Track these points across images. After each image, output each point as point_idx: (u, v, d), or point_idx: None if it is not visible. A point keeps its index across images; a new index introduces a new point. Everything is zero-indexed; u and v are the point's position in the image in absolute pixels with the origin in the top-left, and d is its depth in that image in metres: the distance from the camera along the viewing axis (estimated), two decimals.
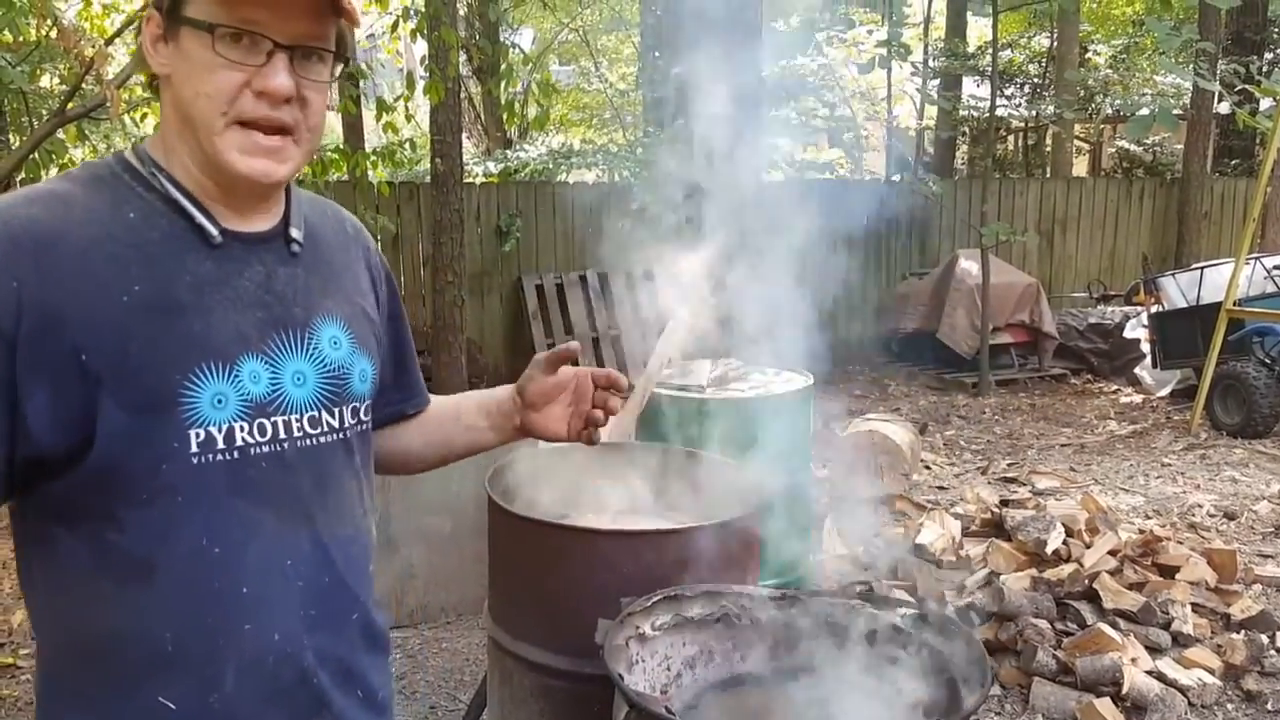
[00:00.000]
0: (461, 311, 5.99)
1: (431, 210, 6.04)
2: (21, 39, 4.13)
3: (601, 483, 2.11)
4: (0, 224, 0.90)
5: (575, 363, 1.25)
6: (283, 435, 1.00)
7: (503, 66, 5.08)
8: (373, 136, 9.85)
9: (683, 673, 1.61)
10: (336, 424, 1.06)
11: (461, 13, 8.80)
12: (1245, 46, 9.90)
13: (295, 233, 1.06)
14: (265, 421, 0.99)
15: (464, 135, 7.88)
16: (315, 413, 1.03)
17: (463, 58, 8.28)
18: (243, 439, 0.97)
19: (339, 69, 1.04)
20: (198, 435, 0.94)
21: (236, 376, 0.97)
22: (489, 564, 2.00)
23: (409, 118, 5.04)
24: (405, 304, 6.60)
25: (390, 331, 1.23)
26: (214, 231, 0.98)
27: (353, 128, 9.42)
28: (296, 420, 1.01)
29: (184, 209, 0.98)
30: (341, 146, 6.49)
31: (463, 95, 8.75)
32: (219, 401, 0.95)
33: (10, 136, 6.01)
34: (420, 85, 4.84)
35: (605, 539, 1.77)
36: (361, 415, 1.10)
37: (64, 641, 0.98)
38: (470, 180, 7.70)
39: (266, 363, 0.99)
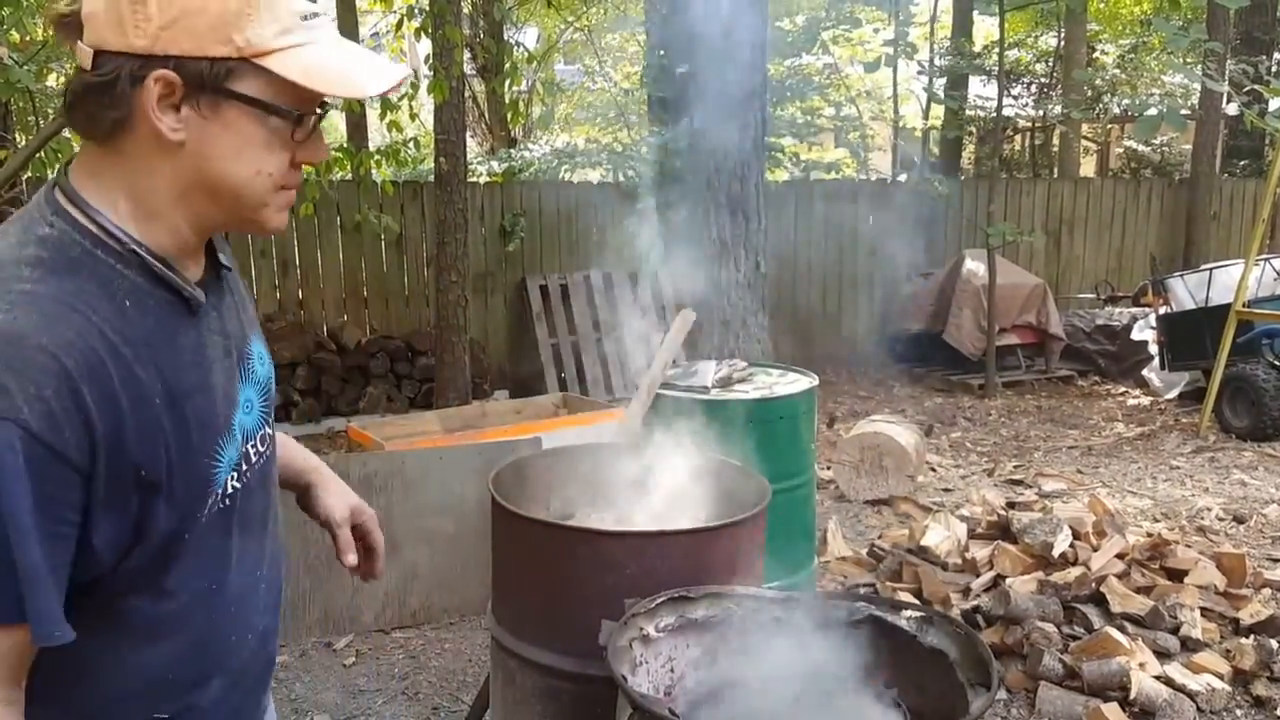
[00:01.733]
0: (465, 312, 5.98)
1: (435, 210, 6.04)
2: (28, 38, 4.13)
3: (605, 483, 2.09)
4: (47, 358, 0.83)
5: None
6: (251, 463, 1.06)
7: (507, 65, 5.06)
8: (376, 135, 9.85)
9: (686, 674, 1.59)
10: (271, 433, 1.12)
11: (465, 11, 8.80)
12: (1254, 47, 9.85)
13: (224, 259, 1.06)
14: (248, 453, 1.05)
15: (468, 134, 7.88)
16: (263, 431, 1.09)
17: (467, 56, 8.28)
18: (232, 487, 1.02)
19: None
20: (212, 498, 0.99)
21: (233, 434, 1.01)
22: (492, 565, 1.99)
23: (413, 116, 5.04)
24: (409, 304, 6.63)
25: None
26: (200, 298, 0.97)
27: (356, 126, 9.43)
28: (254, 446, 1.06)
29: (170, 282, 0.94)
30: (345, 145, 6.50)
31: (467, 94, 8.75)
32: (230, 463, 1.01)
33: (17, 135, 6.02)
34: (424, 84, 4.83)
35: (609, 540, 1.75)
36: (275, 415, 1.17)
37: (56, 702, 0.95)
38: (474, 179, 7.69)
39: (238, 407, 1.02)
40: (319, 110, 0.97)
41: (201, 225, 0.97)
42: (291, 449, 1.36)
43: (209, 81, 0.89)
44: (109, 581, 0.93)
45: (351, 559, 1.30)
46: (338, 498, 1.34)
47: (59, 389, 0.83)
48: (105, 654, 0.96)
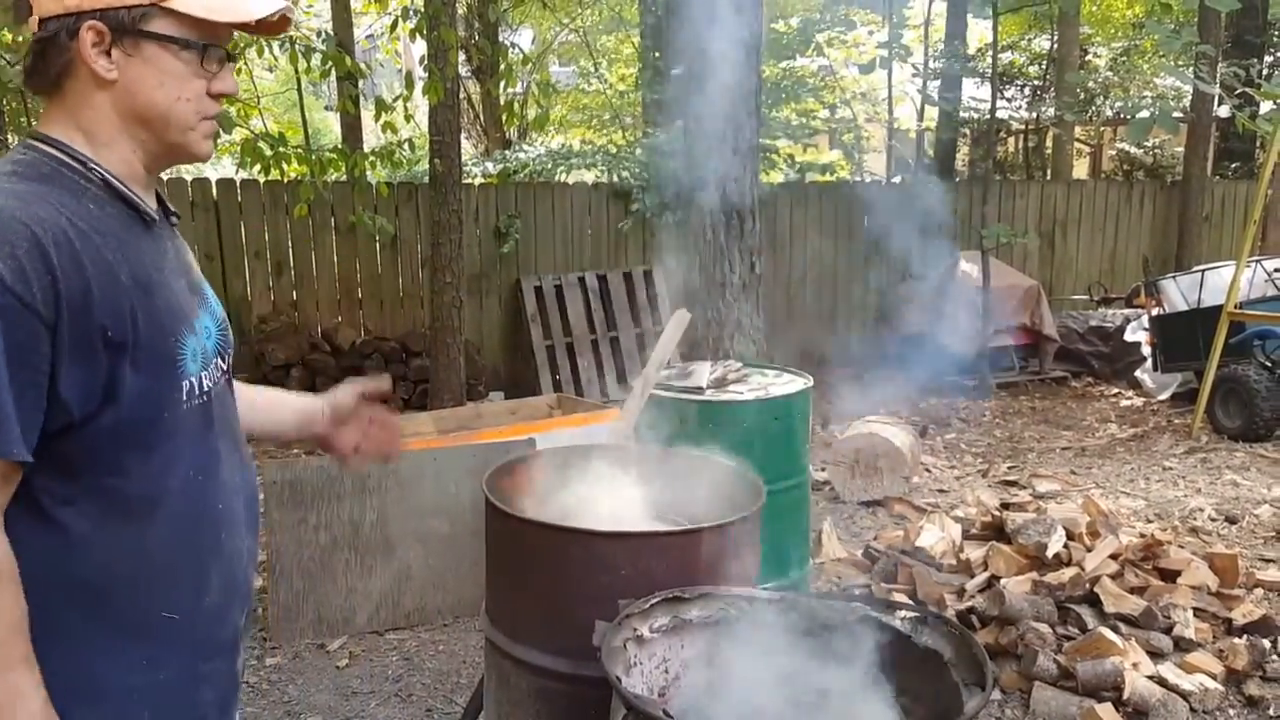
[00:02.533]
0: (460, 313, 5.97)
1: (430, 211, 6.03)
2: (21, 39, 4.11)
3: (600, 484, 2.09)
4: (20, 226, 1.00)
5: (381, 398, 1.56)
6: (218, 378, 1.23)
7: (502, 67, 5.06)
8: (371, 137, 9.84)
9: (681, 675, 1.59)
10: (226, 367, 1.29)
11: (461, 12, 8.80)
12: (1245, 49, 9.89)
13: (173, 207, 1.26)
14: (210, 368, 1.21)
15: (463, 136, 7.86)
16: (218, 359, 1.25)
17: (462, 58, 8.26)
18: (206, 384, 1.18)
19: None
20: (186, 385, 1.14)
21: (195, 334, 1.17)
22: (486, 565, 1.98)
23: (408, 118, 5.03)
24: (404, 305, 6.64)
25: None
26: (153, 214, 1.17)
27: (351, 128, 9.41)
28: (216, 366, 1.23)
29: (127, 197, 1.13)
30: (340, 146, 6.48)
31: (462, 95, 8.74)
32: (195, 356, 1.16)
33: (9, 136, 5.99)
34: (419, 85, 4.83)
35: (603, 541, 1.75)
36: (232, 362, 1.33)
37: (56, 584, 1.06)
38: (469, 181, 7.68)
39: (200, 320, 1.20)
40: (227, 49, 1.17)
41: (146, 154, 1.15)
42: (289, 394, 1.57)
43: (128, 26, 1.09)
44: (99, 452, 1.07)
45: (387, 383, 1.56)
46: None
47: (30, 251, 0.99)
48: (104, 527, 1.08)
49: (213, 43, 1.14)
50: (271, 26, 1.20)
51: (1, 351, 0.97)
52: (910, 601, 3.07)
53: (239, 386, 1.44)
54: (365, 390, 1.53)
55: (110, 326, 1.04)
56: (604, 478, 2.10)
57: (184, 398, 1.14)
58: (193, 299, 1.20)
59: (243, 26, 1.16)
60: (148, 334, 1.08)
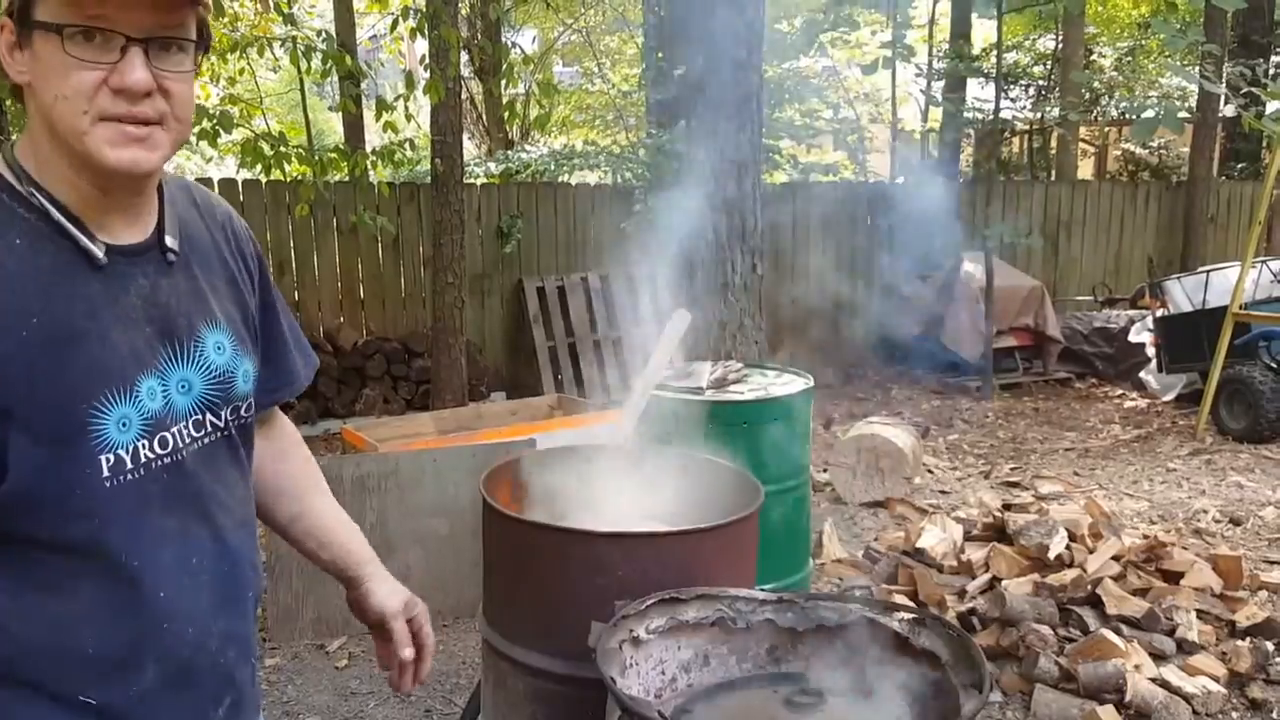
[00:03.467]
0: (461, 313, 5.97)
1: (431, 211, 6.02)
2: None
3: (598, 484, 2.08)
4: None
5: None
6: (180, 444, 1.04)
7: (504, 66, 5.06)
8: (373, 136, 9.84)
9: (677, 677, 1.58)
10: (220, 423, 1.10)
11: (463, 12, 8.80)
12: (1251, 49, 9.86)
13: (170, 241, 1.06)
14: (166, 434, 1.02)
15: (465, 136, 7.87)
16: (200, 416, 1.07)
17: (464, 57, 8.27)
18: (146, 456, 1.00)
19: (200, 57, 1.04)
20: (108, 460, 0.96)
21: (136, 396, 0.99)
22: (484, 566, 1.98)
23: (409, 117, 5.03)
24: (406, 306, 6.60)
25: (262, 322, 1.23)
26: (99, 254, 0.98)
27: (353, 127, 9.42)
28: (185, 427, 1.05)
29: (68, 231, 0.96)
30: (341, 146, 6.49)
31: (464, 95, 8.74)
32: (124, 425, 0.98)
33: (12, 134, 6.01)
34: (420, 84, 4.83)
35: (601, 541, 1.74)
36: (243, 412, 1.14)
37: None
38: (471, 181, 7.68)
39: (159, 377, 1.02)
40: (137, 38, 0.94)
41: (77, 164, 0.96)
42: (355, 536, 1.39)
43: (17, 14, 0.93)
44: (6, 520, 0.94)
45: (409, 652, 1.32)
46: (393, 592, 1.36)
47: None
48: (19, 600, 0.96)
49: (86, 24, 0.91)
50: None
51: None
52: (910, 603, 3.06)
53: (307, 482, 1.36)
54: (398, 623, 1.34)
55: None
56: (603, 478, 2.09)
57: (105, 473, 0.96)
58: (154, 350, 1.02)
59: None
60: (50, 398, 0.92)
